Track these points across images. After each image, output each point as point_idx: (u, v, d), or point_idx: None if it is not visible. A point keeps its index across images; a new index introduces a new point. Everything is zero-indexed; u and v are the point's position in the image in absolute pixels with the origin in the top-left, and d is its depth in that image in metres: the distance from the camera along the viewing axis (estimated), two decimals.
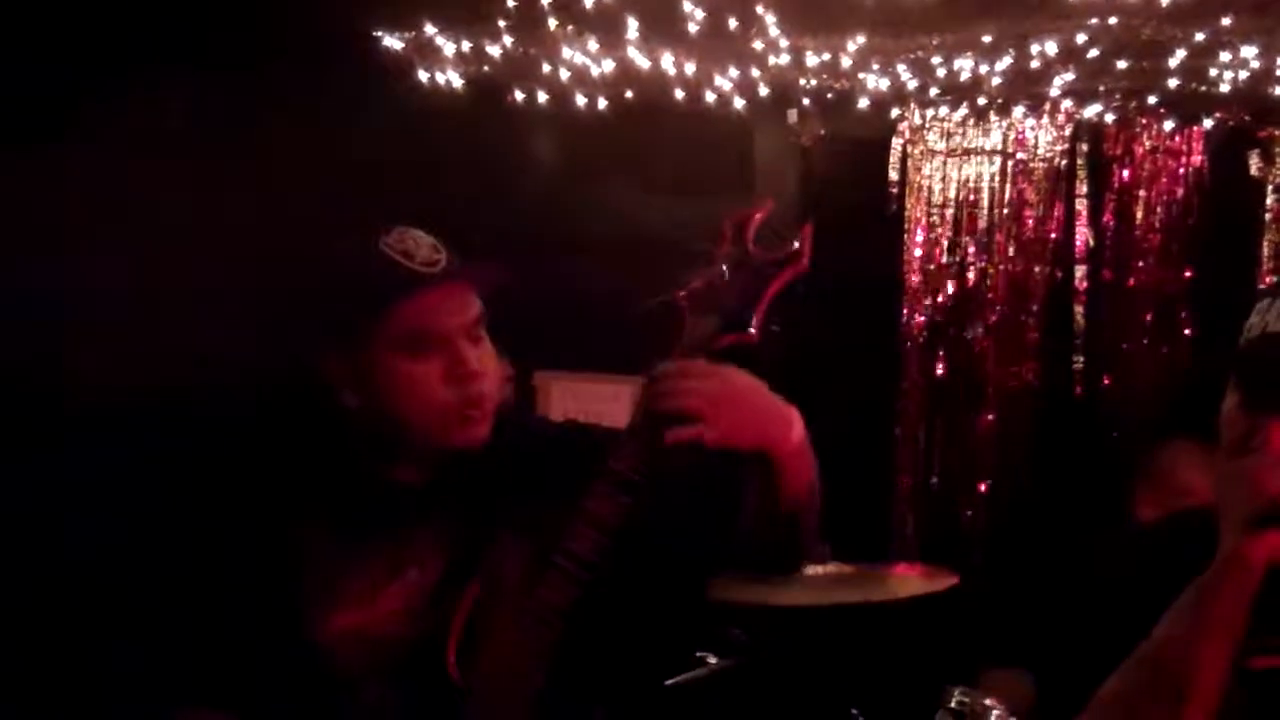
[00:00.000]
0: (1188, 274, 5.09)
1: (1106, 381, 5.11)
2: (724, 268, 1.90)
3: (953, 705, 3.64)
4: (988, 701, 3.64)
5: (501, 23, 4.41)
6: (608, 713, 2.02)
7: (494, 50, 4.58)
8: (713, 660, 3.71)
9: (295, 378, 2.10)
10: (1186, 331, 5.08)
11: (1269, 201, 4.99)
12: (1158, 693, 1.66)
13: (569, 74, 4.71)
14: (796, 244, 1.90)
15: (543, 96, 4.89)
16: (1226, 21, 4.11)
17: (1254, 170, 5.00)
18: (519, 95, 4.90)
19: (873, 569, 4.16)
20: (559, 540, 1.88)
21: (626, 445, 1.88)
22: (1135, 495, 3.94)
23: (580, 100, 4.88)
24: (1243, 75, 4.51)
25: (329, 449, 2.08)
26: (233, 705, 1.99)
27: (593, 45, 4.44)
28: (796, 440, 1.90)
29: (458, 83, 4.79)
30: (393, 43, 4.64)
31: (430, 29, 4.54)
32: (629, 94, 4.87)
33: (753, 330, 1.88)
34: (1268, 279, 4.94)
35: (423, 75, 4.75)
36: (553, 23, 4.32)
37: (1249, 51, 4.28)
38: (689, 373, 1.86)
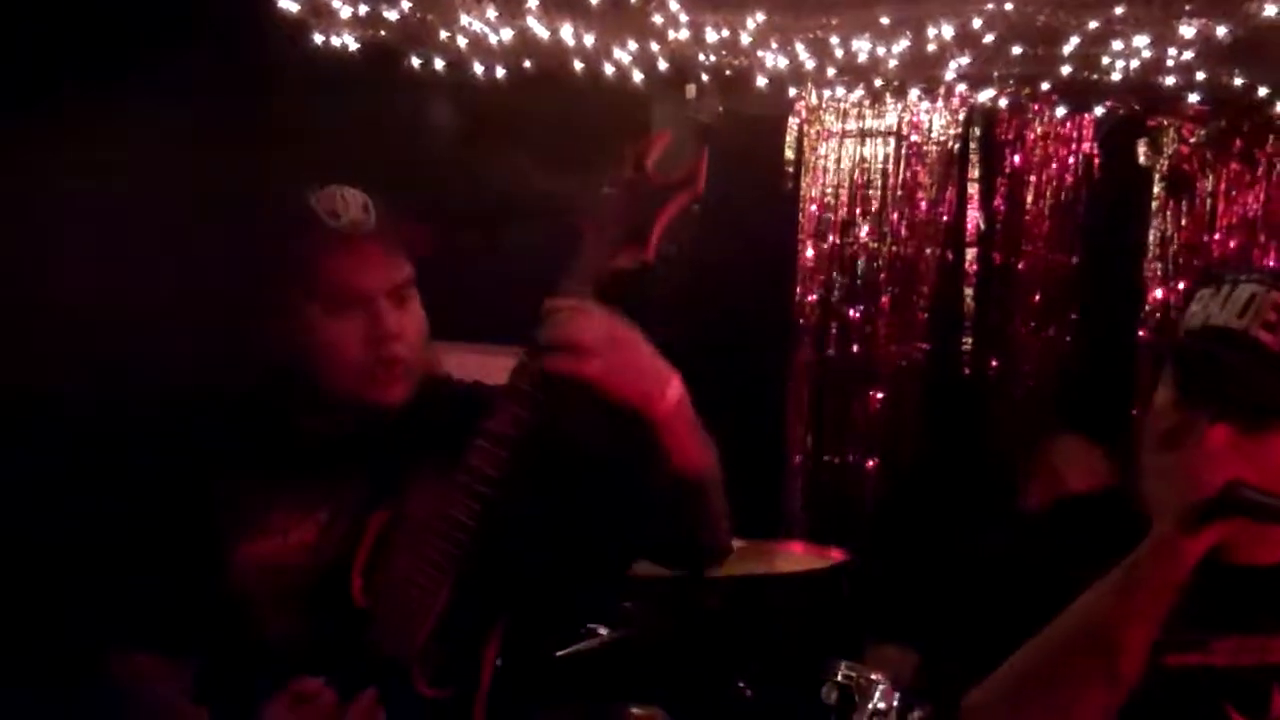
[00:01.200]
0: (1075, 259, 5.16)
1: (994, 363, 5.18)
2: (620, 189, 1.96)
3: (839, 678, 3.68)
4: (873, 675, 3.69)
5: None
6: (510, 628, 2.03)
7: (391, 15, 4.52)
8: (604, 632, 3.72)
9: (226, 329, 2.14)
10: (1073, 316, 5.15)
11: (1156, 190, 5.08)
12: (1091, 666, 1.65)
13: (467, 42, 4.66)
14: (691, 169, 1.95)
15: (440, 64, 4.83)
16: (1119, 10, 4.17)
17: (1142, 159, 5.08)
18: (415, 62, 4.84)
19: (763, 544, 4.20)
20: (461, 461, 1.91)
21: (508, 399, 1.90)
22: (1022, 487, 4.00)
23: (478, 69, 4.83)
24: (1134, 64, 4.58)
25: (253, 397, 2.13)
26: (151, 640, 2.04)
27: (492, 13, 4.40)
28: (673, 401, 1.90)
29: (353, 47, 4.72)
30: (288, 5, 4.56)
31: None
32: (527, 64, 4.83)
33: (649, 250, 1.92)
34: (1153, 266, 5.04)
35: (318, 38, 4.67)
36: None
37: (1140, 41, 4.35)
38: (581, 308, 1.87)
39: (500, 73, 4.86)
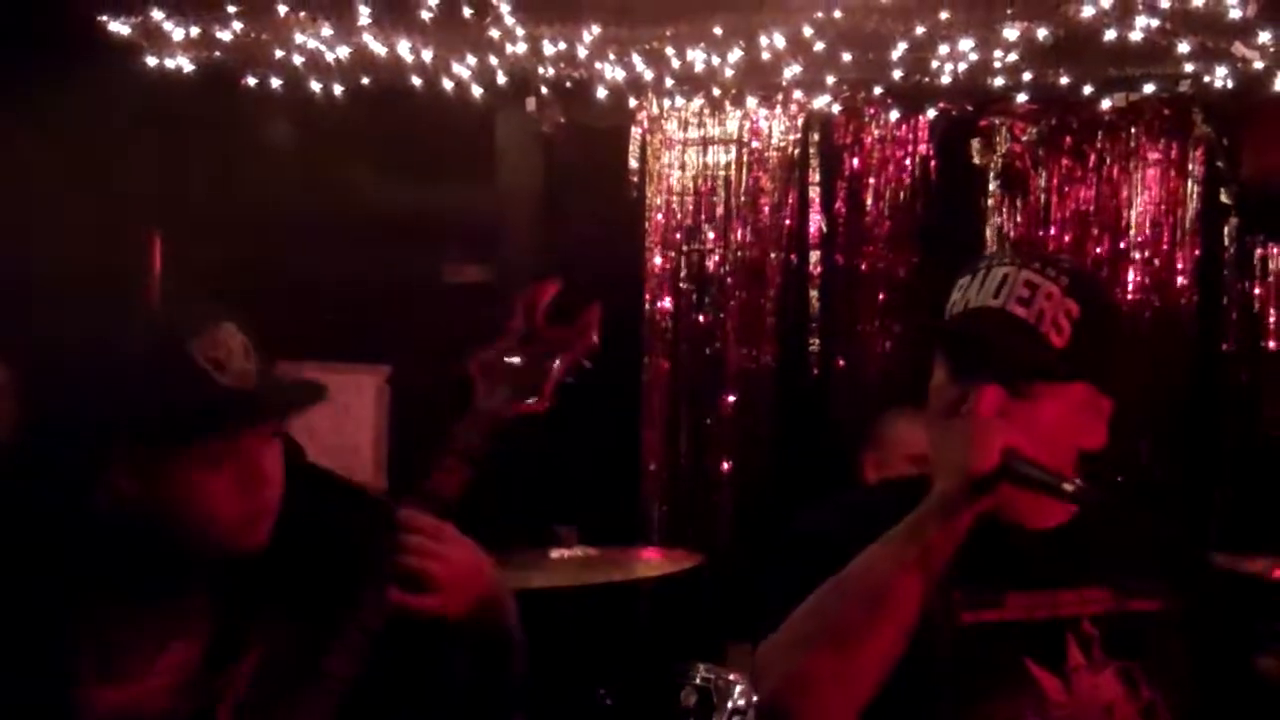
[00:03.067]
0: (915, 259, 5.25)
1: (840, 363, 5.25)
2: (514, 340, 2.00)
3: (698, 681, 3.72)
4: (731, 677, 3.74)
5: (231, 8, 4.32)
6: None
7: (224, 35, 4.48)
8: None
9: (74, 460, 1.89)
10: (915, 314, 5.25)
11: (991, 188, 5.20)
12: (870, 615, 1.73)
13: (302, 60, 4.63)
14: (585, 323, 2.04)
15: (276, 82, 4.79)
16: (944, 16, 4.27)
17: (976, 158, 5.20)
18: (251, 81, 4.80)
19: (619, 551, 4.22)
20: (344, 610, 1.84)
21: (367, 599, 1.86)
22: (862, 462, 4.07)
23: (315, 86, 4.80)
24: (962, 67, 4.68)
25: (102, 529, 1.90)
26: None
27: (326, 31, 4.38)
28: (512, 622, 1.96)
29: (188, 68, 4.67)
30: (119, 27, 4.50)
31: (158, 14, 4.43)
32: (365, 81, 4.81)
33: (544, 400, 1.98)
34: None
35: (151, 61, 4.61)
36: (283, 9, 4.25)
37: (966, 44, 4.45)
38: (440, 535, 1.87)
39: (338, 90, 4.84)
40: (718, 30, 4.41)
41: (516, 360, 1.98)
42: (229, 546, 1.87)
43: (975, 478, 1.72)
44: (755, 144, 5.27)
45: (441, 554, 1.85)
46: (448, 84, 4.84)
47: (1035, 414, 1.80)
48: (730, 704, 3.71)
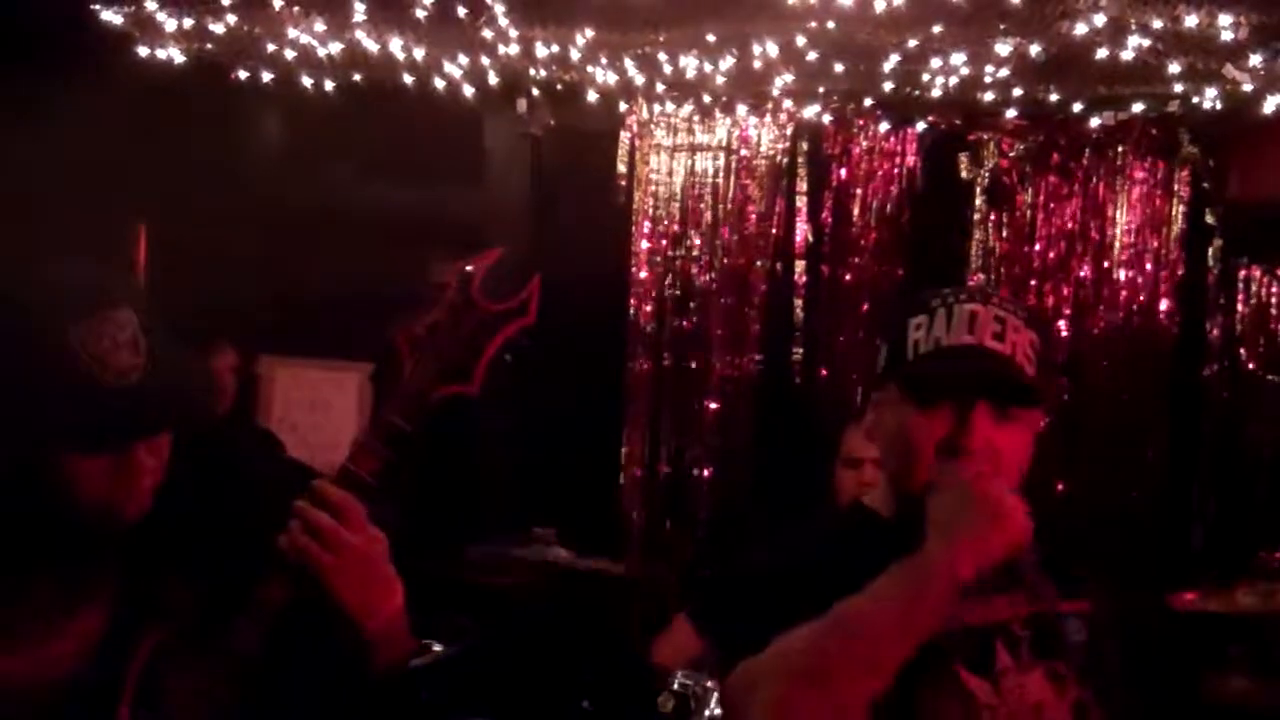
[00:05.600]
0: (900, 271, 5.27)
1: (823, 372, 5.27)
2: (447, 315, 1.82)
3: (675, 687, 3.71)
4: (709, 683, 3.73)
5: (225, 0, 4.31)
6: None
7: (217, 28, 4.46)
8: (438, 647, 3.70)
9: None
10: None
11: (977, 202, 5.22)
12: (862, 667, 1.74)
13: (295, 54, 4.62)
14: (524, 296, 1.85)
15: (267, 76, 4.78)
16: (937, 30, 4.28)
17: (963, 172, 5.22)
18: (243, 75, 4.78)
19: (598, 556, 4.22)
20: (248, 584, 1.77)
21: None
22: (833, 472, 4.07)
23: (306, 81, 4.79)
24: (953, 81, 4.70)
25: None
26: None
27: (319, 26, 4.37)
28: (390, 613, 1.82)
29: (179, 60, 4.65)
30: (111, 17, 4.48)
31: (151, 4, 4.41)
32: (357, 77, 4.80)
33: (474, 383, 1.82)
34: (975, 277, 5.17)
35: (142, 51, 4.60)
36: (278, 2, 4.24)
37: (958, 58, 4.46)
38: (344, 502, 1.78)
39: (329, 86, 4.83)
40: (711, 37, 4.40)
41: (449, 336, 1.81)
42: (93, 525, 1.76)
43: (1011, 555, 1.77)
44: (744, 152, 5.28)
45: (335, 538, 1.74)
46: (439, 83, 4.84)
47: (1010, 443, 1.85)
48: (707, 711, 3.71)
